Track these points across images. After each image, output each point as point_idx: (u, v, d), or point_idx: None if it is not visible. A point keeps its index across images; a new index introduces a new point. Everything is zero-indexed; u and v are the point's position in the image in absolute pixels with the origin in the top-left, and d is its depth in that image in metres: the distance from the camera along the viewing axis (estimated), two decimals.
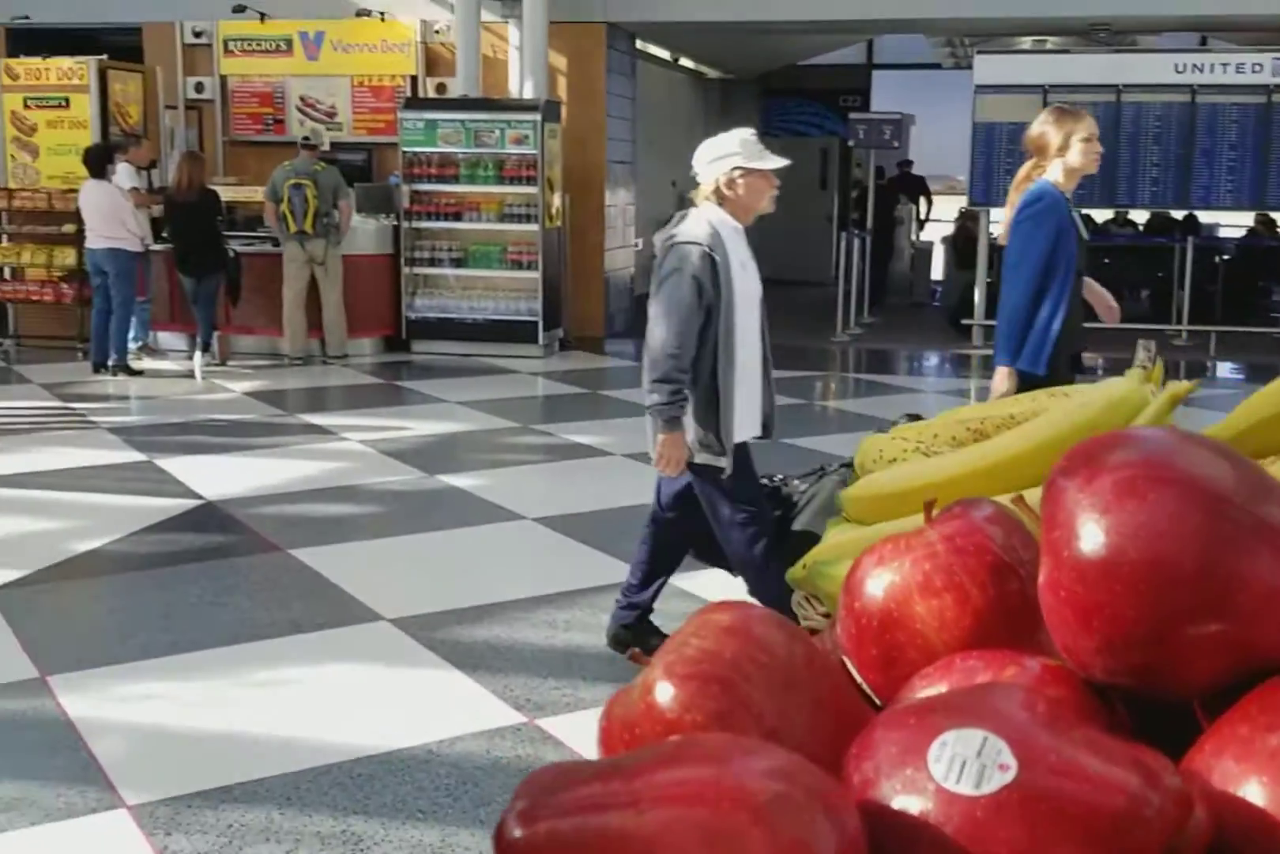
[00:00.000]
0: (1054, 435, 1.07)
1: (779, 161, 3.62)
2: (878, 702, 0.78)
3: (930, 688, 0.72)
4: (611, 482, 6.15)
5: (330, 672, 3.78)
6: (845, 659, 0.80)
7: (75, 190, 9.20)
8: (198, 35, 11.68)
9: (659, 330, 3.51)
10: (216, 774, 3.13)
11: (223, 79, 11.73)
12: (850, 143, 12.73)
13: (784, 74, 16.93)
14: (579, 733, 3.33)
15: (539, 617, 4.19)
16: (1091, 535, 0.65)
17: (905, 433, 1.31)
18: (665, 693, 0.69)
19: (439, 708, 3.51)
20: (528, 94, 10.49)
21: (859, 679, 0.79)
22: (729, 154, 3.54)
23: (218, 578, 4.60)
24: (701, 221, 3.54)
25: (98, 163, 8.82)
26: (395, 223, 10.20)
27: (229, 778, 3.10)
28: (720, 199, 3.57)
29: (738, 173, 3.53)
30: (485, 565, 4.92)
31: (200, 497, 5.59)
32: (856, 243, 11.59)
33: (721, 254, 3.49)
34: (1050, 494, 0.70)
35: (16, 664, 3.74)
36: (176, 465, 6.19)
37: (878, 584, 0.77)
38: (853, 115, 12.74)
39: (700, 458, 3.60)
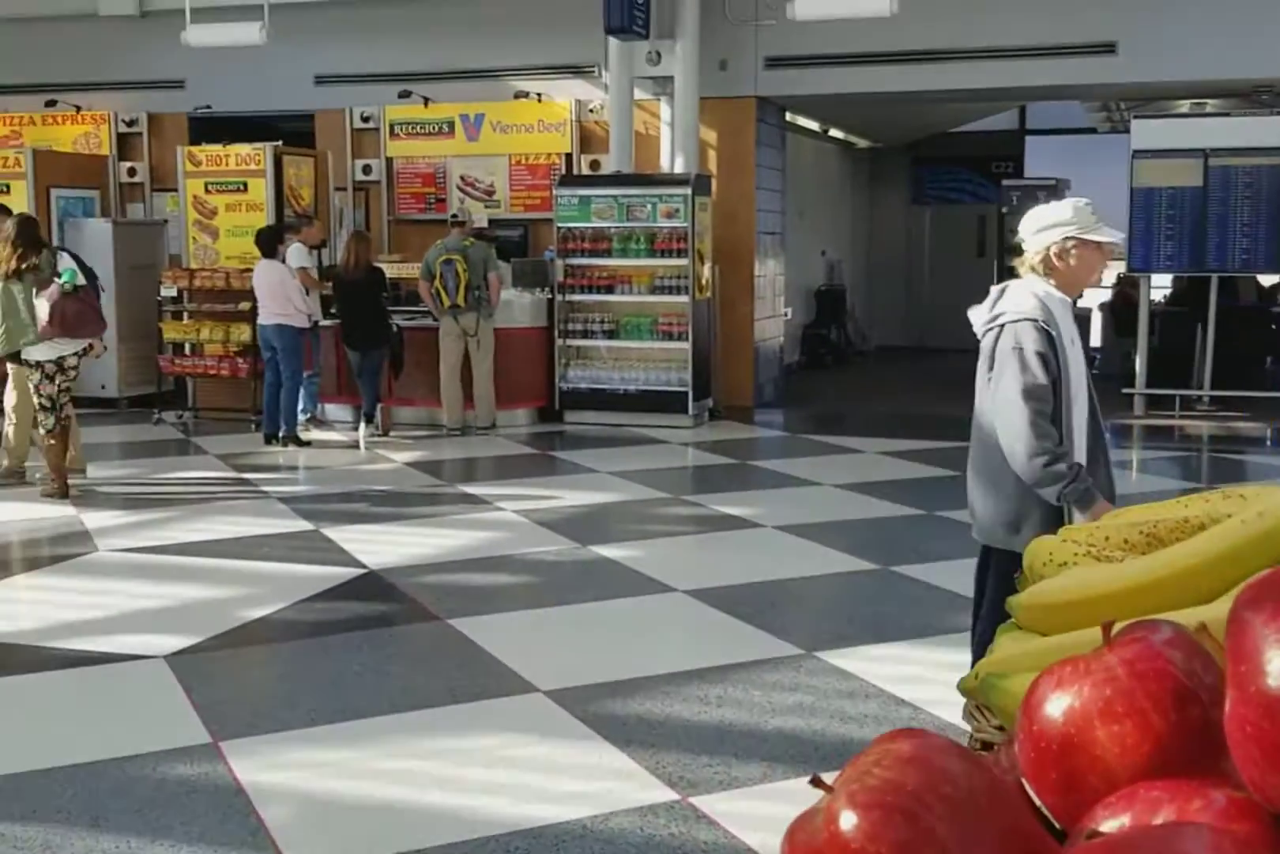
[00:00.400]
0: (1230, 548, 1.05)
1: (1115, 235, 3.42)
2: (1057, 825, 0.79)
3: (1113, 818, 0.72)
4: (762, 554, 6.15)
5: (487, 742, 3.84)
6: (1023, 781, 0.81)
7: (250, 269, 9.69)
8: (366, 120, 12.25)
9: (1015, 415, 3.26)
10: (378, 843, 3.20)
11: (388, 161, 12.26)
12: (1003, 209, 12.62)
13: (934, 141, 16.92)
14: (733, 812, 3.32)
15: (691, 691, 4.19)
16: (1279, 672, 0.65)
17: (1075, 535, 1.30)
18: (849, 822, 0.71)
19: (593, 782, 3.53)
20: (679, 168, 10.71)
21: (1038, 802, 0.80)
22: (1061, 223, 3.34)
23: (380, 646, 4.72)
24: (1027, 295, 3.34)
25: (268, 244, 9.29)
26: (550, 296, 10.46)
27: (390, 847, 3.17)
28: (1048, 270, 3.37)
29: (1071, 243, 3.33)
30: (637, 638, 4.95)
31: (363, 565, 5.77)
32: None
33: (1055, 328, 3.30)
34: (1235, 625, 0.70)
35: (190, 729, 3.89)
36: (341, 534, 6.40)
37: (1057, 708, 0.77)
38: (1006, 181, 12.65)
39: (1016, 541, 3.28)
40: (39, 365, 7.18)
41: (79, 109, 13.05)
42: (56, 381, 7.23)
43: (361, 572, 5.68)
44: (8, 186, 11.12)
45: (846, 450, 9.15)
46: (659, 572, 5.67)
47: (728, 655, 4.55)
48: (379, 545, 6.18)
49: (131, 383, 11.34)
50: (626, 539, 6.38)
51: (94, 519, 6.76)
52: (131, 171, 13.04)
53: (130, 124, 13.00)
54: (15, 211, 8.18)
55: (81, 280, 7.27)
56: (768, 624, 4.93)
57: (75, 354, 7.30)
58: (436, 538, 6.37)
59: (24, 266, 7.09)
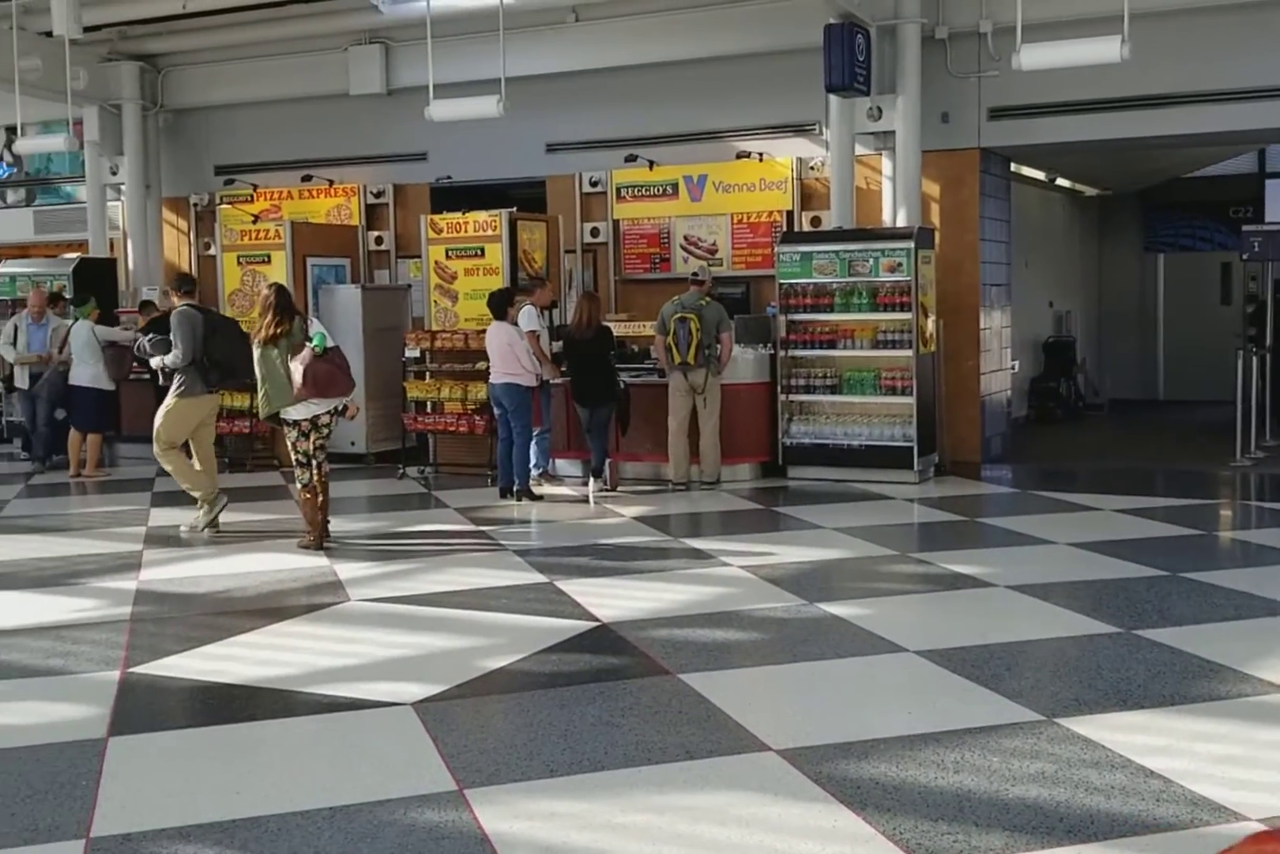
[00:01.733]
0: None
1: None
2: None
3: None
4: (996, 614, 6.03)
5: (721, 800, 3.88)
6: None
7: (485, 331, 10.14)
8: (594, 184, 12.70)
9: None
10: None
11: (615, 223, 12.65)
12: (1243, 257, 12.07)
13: (1167, 187, 16.35)
14: None
15: (927, 755, 4.14)
16: None
17: None
18: None
19: (829, 846, 3.53)
20: (901, 222, 10.70)
21: None
22: None
23: (613, 699, 4.84)
24: None
25: (499, 306, 9.72)
26: (772, 352, 10.55)
27: None
28: None
29: None
30: (869, 698, 4.93)
31: (595, 618, 5.92)
32: (1255, 360, 10.90)
33: None
34: None
35: (436, 776, 4.07)
36: (574, 587, 6.59)
37: None
38: (1246, 227, 12.09)
39: None
40: (295, 424, 7.72)
41: (332, 183, 13.97)
42: (311, 439, 7.75)
43: (593, 624, 5.83)
44: (268, 256, 11.99)
45: (1080, 507, 8.86)
46: (889, 630, 5.63)
47: (963, 719, 4.48)
48: (610, 599, 6.34)
49: (379, 439, 11.98)
50: (854, 597, 6.36)
51: (346, 570, 7.16)
52: (379, 240, 13.85)
53: (378, 195, 13.84)
54: (270, 281, 8.89)
55: (331, 342, 7.76)
56: (1004, 687, 4.83)
57: (328, 413, 7.80)
58: (665, 592, 6.49)
59: (279, 332, 7.67)
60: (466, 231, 11.13)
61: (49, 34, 13.54)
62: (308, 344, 7.64)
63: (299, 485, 7.86)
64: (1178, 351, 16.37)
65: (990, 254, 11.50)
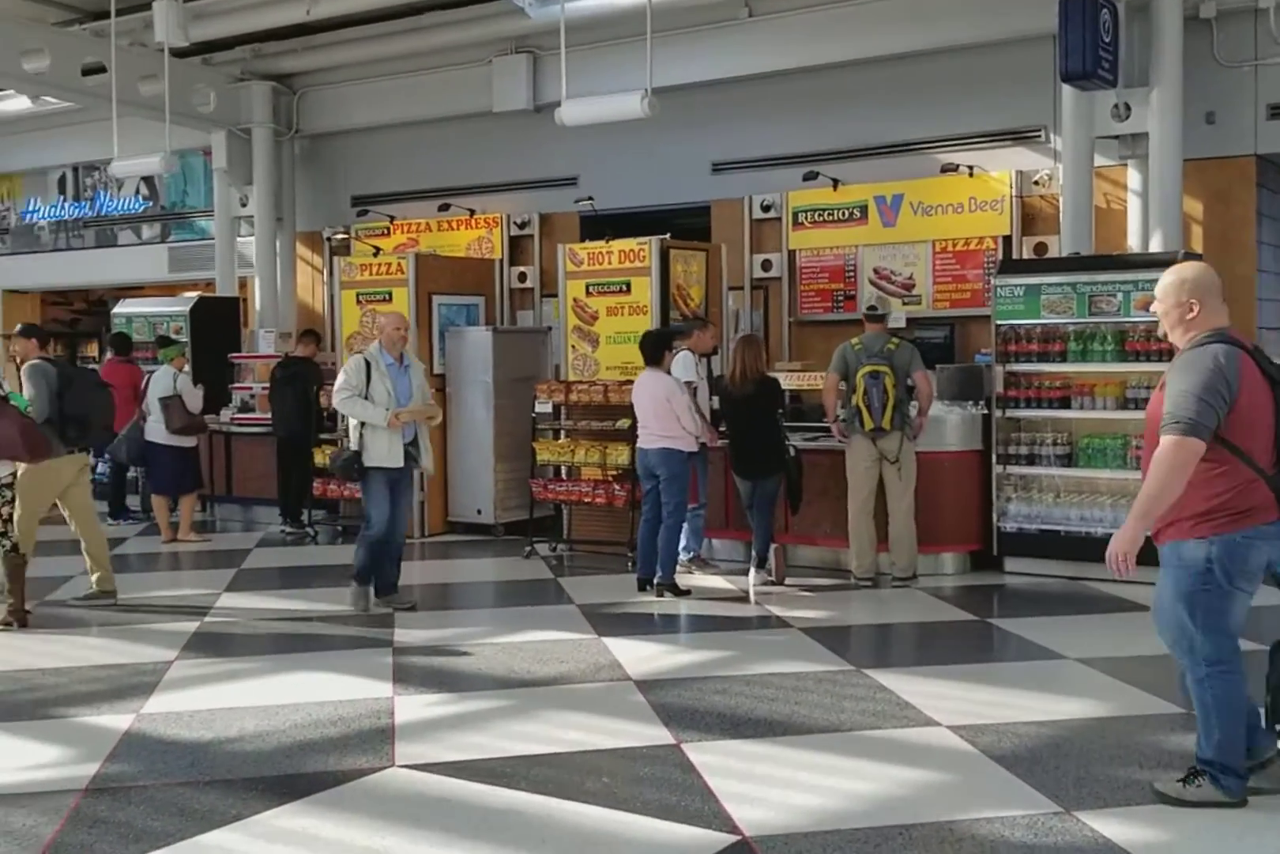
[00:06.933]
0: None
1: None
2: None
3: None
4: None
5: None
6: None
7: (632, 381, 8.28)
8: (766, 209, 10.80)
9: None
10: None
11: (791, 253, 10.71)
12: None
13: None
14: None
15: None
16: None
17: None
18: None
19: None
20: (1155, 247, 8.44)
21: None
22: None
23: None
24: None
25: (655, 350, 7.85)
26: (985, 411, 8.39)
27: None
28: None
29: None
30: None
31: (734, 826, 3.92)
32: None
33: None
34: None
35: None
36: (708, 757, 4.59)
37: None
38: None
39: None
40: None
41: (473, 212, 12.45)
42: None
43: (730, 841, 3.82)
44: (389, 294, 10.43)
45: None
46: None
47: None
48: (757, 784, 4.30)
49: (508, 507, 10.26)
50: (1136, 802, 4.14)
51: (407, 707, 5.31)
52: (521, 276, 12.23)
53: (522, 226, 12.24)
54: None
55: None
56: None
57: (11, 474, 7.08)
58: (840, 777, 4.40)
59: None
60: (610, 263, 9.31)
61: (181, 55, 12.60)
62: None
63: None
64: None
65: (1271, 289, 9.10)
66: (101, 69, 11.51)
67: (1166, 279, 4.06)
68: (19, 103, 14.07)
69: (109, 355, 11.72)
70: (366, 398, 7.16)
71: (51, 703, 5.48)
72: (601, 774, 4.45)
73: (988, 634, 6.85)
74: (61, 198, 15.79)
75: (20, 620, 7.06)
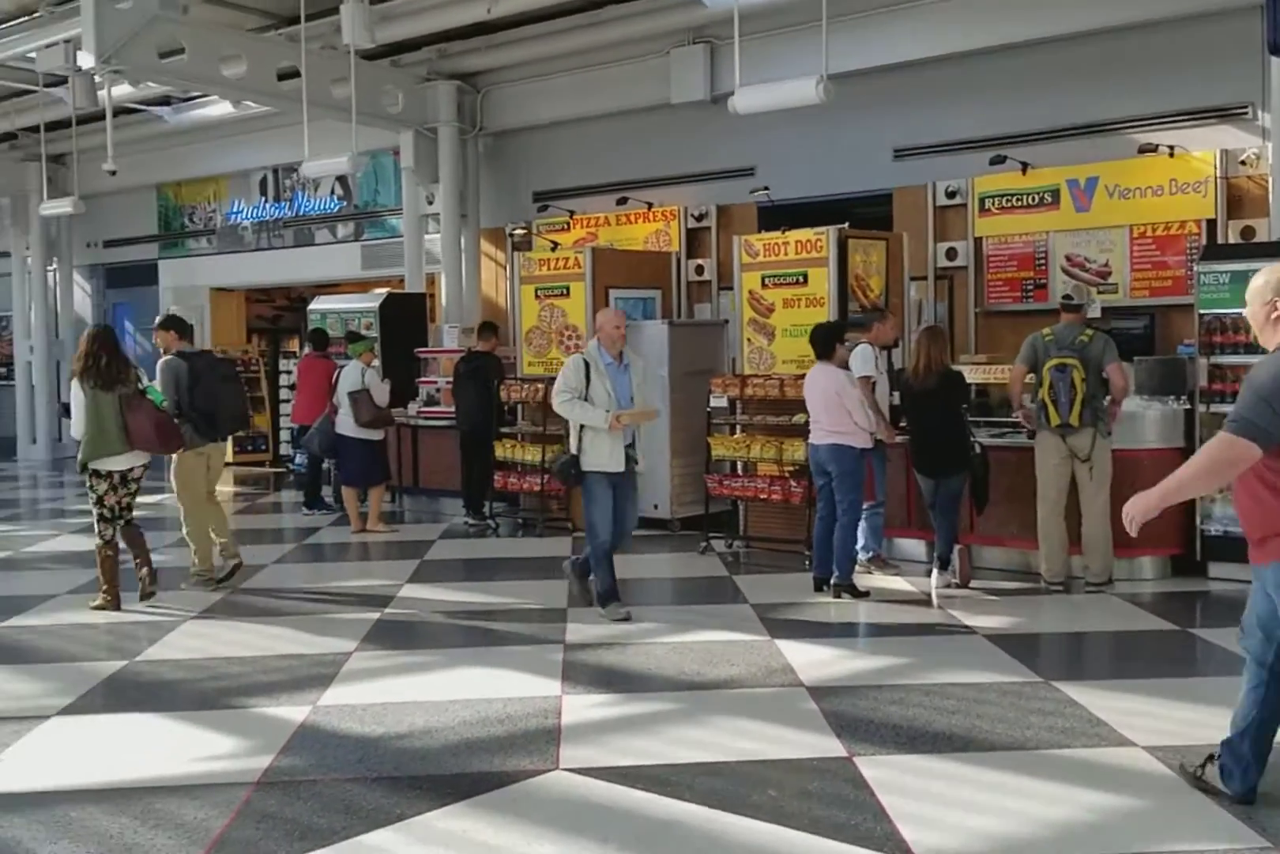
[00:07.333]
0: None
1: None
2: None
3: None
4: None
5: None
6: None
7: (805, 375, 8.07)
8: (951, 195, 10.41)
9: None
10: None
11: (977, 241, 10.29)
12: None
13: None
14: None
15: None
16: None
17: None
18: None
19: None
20: None
21: None
22: None
23: None
24: None
25: (825, 343, 7.64)
26: (1187, 406, 7.88)
27: None
28: None
29: None
30: None
31: (906, 848, 3.72)
32: None
33: None
34: None
35: None
36: (880, 772, 4.39)
37: None
38: None
39: None
40: (107, 476, 7.33)
41: (650, 205, 12.39)
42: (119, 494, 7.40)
43: None
44: (567, 289, 10.46)
45: None
46: None
47: None
48: (931, 803, 4.09)
49: (684, 502, 10.19)
50: None
51: (574, 706, 5.27)
52: (698, 269, 12.12)
53: (699, 218, 12.12)
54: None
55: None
56: None
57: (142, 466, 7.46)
58: (1023, 798, 4.15)
59: (121, 377, 7.27)
60: (786, 254, 9.10)
61: (371, 57, 12.93)
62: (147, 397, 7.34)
63: (100, 542, 7.38)
64: None
65: None
66: (297, 73, 11.88)
67: (1255, 280, 3.84)
68: (222, 108, 14.71)
69: (307, 350, 12.12)
70: (586, 399, 6.88)
71: (234, 692, 5.64)
72: (769, 787, 4.30)
73: (1190, 645, 6.41)
74: (263, 199, 16.41)
75: (115, 604, 7.44)
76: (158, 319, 8.53)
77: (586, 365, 6.92)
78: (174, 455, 7.91)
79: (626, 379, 7.03)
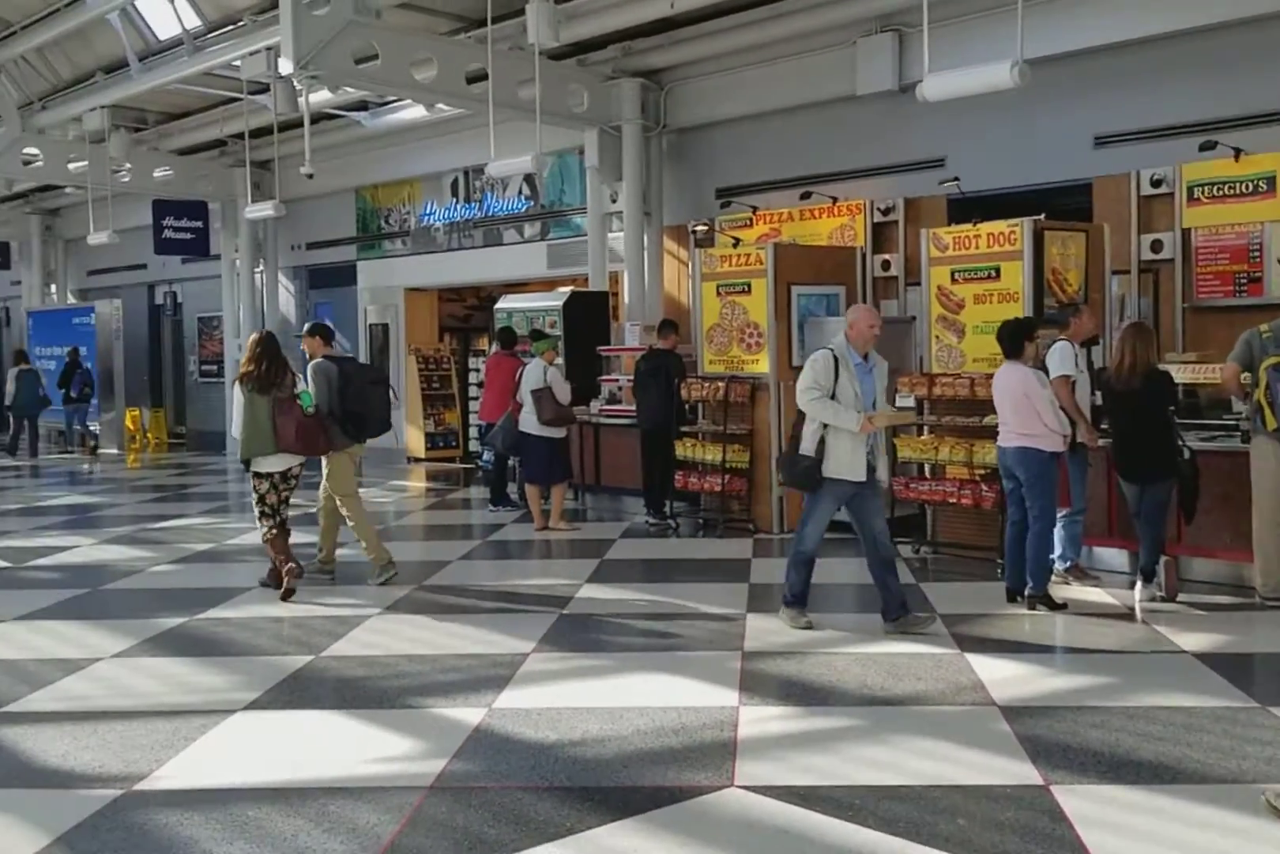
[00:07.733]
0: None
1: None
2: None
3: None
4: None
5: None
6: None
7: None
8: (1156, 185, 9.81)
9: None
10: None
11: (1185, 233, 9.67)
12: None
13: None
14: None
15: None
16: None
17: None
18: None
19: None
20: None
21: None
22: None
23: None
24: None
25: (1013, 340, 7.26)
26: None
27: None
28: None
29: None
30: None
31: None
32: None
33: None
34: None
35: None
36: (1085, 807, 4.08)
37: None
38: None
39: None
40: (267, 476, 7.78)
41: (835, 200, 12.09)
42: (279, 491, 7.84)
43: None
44: (748, 285, 10.28)
45: None
46: None
47: None
48: (1132, 839, 3.78)
49: None
50: None
51: (753, 718, 5.10)
52: (885, 264, 11.76)
53: (886, 212, 11.77)
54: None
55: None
56: None
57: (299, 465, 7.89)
58: (1231, 838, 3.79)
59: (275, 380, 7.65)
60: (977, 247, 8.71)
61: (557, 57, 12.99)
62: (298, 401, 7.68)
63: (263, 539, 7.94)
64: None
65: None
66: (485, 75, 12.01)
67: None
68: (416, 111, 15.03)
69: (495, 349, 12.27)
70: (832, 398, 6.46)
71: (412, 692, 5.66)
72: (958, 815, 4.05)
73: None
74: (454, 200, 16.71)
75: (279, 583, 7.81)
76: (305, 326, 8.92)
77: (837, 362, 6.51)
78: (323, 457, 8.21)
79: (871, 380, 6.61)
